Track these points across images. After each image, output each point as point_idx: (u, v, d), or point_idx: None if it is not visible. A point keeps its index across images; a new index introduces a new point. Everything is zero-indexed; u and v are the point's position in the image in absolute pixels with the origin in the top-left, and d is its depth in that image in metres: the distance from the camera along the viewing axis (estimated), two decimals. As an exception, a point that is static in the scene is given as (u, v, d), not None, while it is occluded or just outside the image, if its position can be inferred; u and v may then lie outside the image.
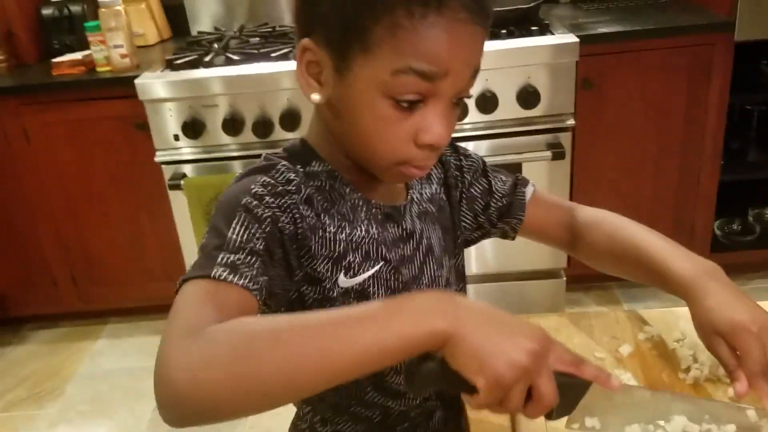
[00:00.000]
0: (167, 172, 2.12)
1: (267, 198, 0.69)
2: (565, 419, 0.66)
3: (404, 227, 0.80)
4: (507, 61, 2.00)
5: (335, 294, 0.75)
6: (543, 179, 2.13)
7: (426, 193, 0.86)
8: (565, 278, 2.30)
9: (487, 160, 0.95)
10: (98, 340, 2.46)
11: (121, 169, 2.22)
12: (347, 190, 0.76)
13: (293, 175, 0.73)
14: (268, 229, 0.68)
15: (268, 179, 0.71)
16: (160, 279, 2.38)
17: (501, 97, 2.03)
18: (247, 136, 2.06)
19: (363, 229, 0.77)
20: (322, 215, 0.74)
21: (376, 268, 0.77)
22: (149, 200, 2.25)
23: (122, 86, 2.06)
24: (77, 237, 2.34)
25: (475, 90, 2.01)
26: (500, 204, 0.91)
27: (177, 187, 2.09)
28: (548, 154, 2.08)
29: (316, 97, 0.71)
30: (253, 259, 0.65)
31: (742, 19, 2.03)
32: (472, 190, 0.91)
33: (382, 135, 0.69)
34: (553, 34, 2.06)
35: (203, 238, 0.68)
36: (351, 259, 0.75)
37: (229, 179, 2.11)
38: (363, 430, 0.83)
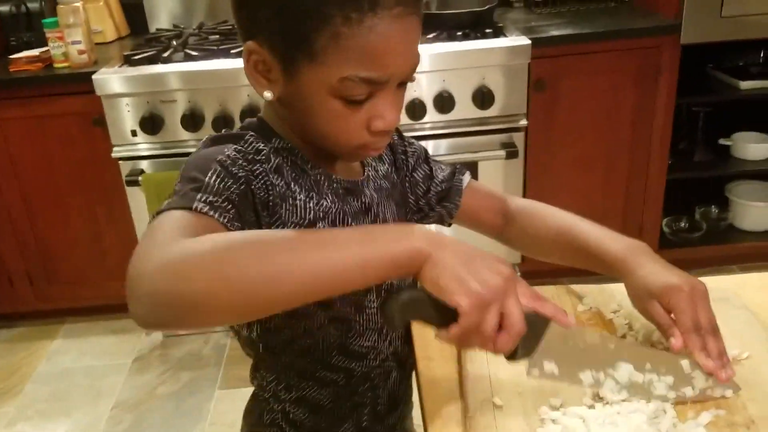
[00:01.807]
0: (125, 168, 2.11)
1: (240, 161, 0.71)
2: (525, 367, 0.68)
3: (363, 201, 0.84)
4: (462, 62, 2.05)
5: None
6: (498, 177, 2.19)
7: (380, 171, 0.89)
8: (519, 274, 2.34)
9: (445, 159, 0.99)
10: (56, 339, 2.43)
11: (79, 166, 2.20)
12: (308, 166, 0.79)
13: (262, 145, 0.75)
14: (242, 188, 0.69)
15: (240, 147, 0.73)
16: (117, 277, 2.33)
17: (457, 98, 2.08)
18: (207, 131, 2.07)
19: (329, 200, 0.79)
20: (292, 184, 0.76)
21: None
22: (107, 197, 2.23)
23: (80, 82, 2.05)
24: (34, 235, 2.31)
25: (433, 90, 2.07)
26: (439, 189, 0.95)
27: (135, 183, 2.08)
28: (502, 153, 2.14)
29: (268, 94, 0.74)
30: (230, 206, 0.66)
31: (687, 22, 2.12)
32: (415, 175, 0.95)
33: (337, 127, 0.73)
34: (506, 36, 2.12)
35: (174, 187, 0.69)
36: (320, 227, 0.77)
37: None
38: (328, 393, 0.85)
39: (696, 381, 0.74)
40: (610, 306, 0.89)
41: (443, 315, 0.61)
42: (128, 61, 2.09)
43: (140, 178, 2.08)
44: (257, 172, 0.72)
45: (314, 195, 0.78)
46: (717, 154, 2.48)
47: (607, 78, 2.19)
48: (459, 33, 2.11)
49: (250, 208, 0.71)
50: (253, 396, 0.90)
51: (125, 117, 2.06)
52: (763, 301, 0.91)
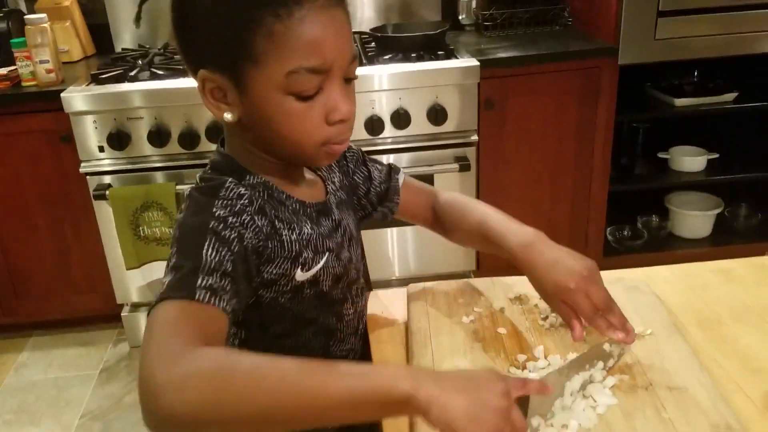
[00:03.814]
0: (92, 183, 2.18)
1: (230, 219, 0.75)
2: None
3: (333, 219, 0.91)
4: (417, 81, 2.18)
5: (290, 288, 0.83)
6: (453, 189, 2.28)
7: (336, 182, 0.97)
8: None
9: (403, 171, 1.08)
10: (23, 352, 2.46)
11: (46, 182, 2.26)
12: (284, 196, 0.84)
13: (243, 189, 0.79)
14: (235, 249, 0.74)
15: (224, 201, 0.77)
16: (84, 291, 2.42)
17: (413, 115, 2.21)
18: (173, 147, 2.16)
19: (308, 227, 0.85)
20: (276, 222, 0.81)
21: (325, 258, 0.86)
22: (74, 212, 2.29)
23: (48, 100, 2.12)
24: (1, 250, 2.35)
25: (390, 108, 2.18)
26: (379, 189, 1.03)
27: (102, 197, 2.15)
28: (456, 166, 2.27)
29: (228, 116, 0.78)
30: (226, 281, 0.71)
31: (624, 45, 2.28)
32: (355, 177, 1.02)
33: (299, 126, 0.77)
34: (457, 58, 2.25)
35: (171, 259, 0.73)
36: (306, 256, 0.83)
37: (154, 189, 2.30)
38: None
39: (614, 352, 0.86)
40: (536, 294, 1.01)
41: None
42: (95, 79, 2.17)
43: (107, 192, 2.15)
44: (246, 222, 0.76)
45: (295, 226, 0.83)
46: (656, 166, 2.64)
47: (551, 97, 2.34)
48: (414, 54, 2.24)
49: (242, 261, 0.74)
50: None
51: (92, 133, 2.13)
52: (668, 289, 1.04)
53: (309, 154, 0.82)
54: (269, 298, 0.83)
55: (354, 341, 0.97)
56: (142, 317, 2.42)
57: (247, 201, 0.78)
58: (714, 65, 2.51)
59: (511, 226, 0.93)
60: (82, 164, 2.16)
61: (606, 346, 0.87)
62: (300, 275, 0.84)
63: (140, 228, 2.20)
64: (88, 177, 2.18)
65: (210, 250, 0.72)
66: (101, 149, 2.15)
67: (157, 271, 2.27)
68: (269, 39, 0.73)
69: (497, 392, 0.65)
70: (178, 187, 2.17)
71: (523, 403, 0.73)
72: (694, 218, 2.64)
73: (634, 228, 2.66)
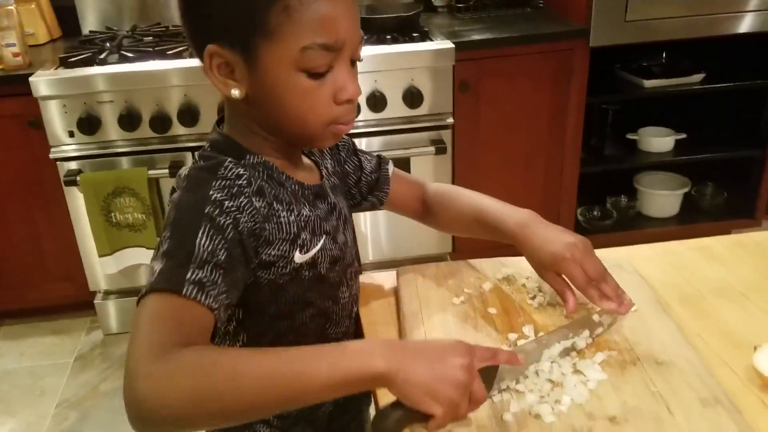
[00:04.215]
0: (62, 169, 2.14)
1: (226, 203, 0.75)
2: None
3: (329, 202, 0.91)
4: (392, 64, 2.17)
5: (288, 270, 0.83)
6: (428, 172, 2.33)
7: (329, 167, 0.97)
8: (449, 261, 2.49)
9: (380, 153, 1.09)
10: (-7, 341, 2.42)
11: (15, 168, 2.21)
12: (284, 177, 0.84)
13: (242, 169, 0.78)
14: (230, 236, 0.74)
15: (222, 181, 0.76)
16: (57, 279, 2.38)
17: (389, 98, 2.21)
18: (144, 131, 2.13)
19: (307, 209, 0.85)
20: (274, 203, 0.81)
21: (322, 240, 0.87)
22: (45, 199, 2.25)
23: (15, 84, 2.07)
24: (-32, 238, 2.30)
25: (365, 90, 2.18)
26: (369, 179, 1.04)
27: (73, 183, 2.12)
28: (432, 149, 2.27)
29: (235, 92, 0.78)
30: (218, 275, 0.71)
31: (595, 26, 2.30)
32: (346, 167, 1.03)
33: (307, 104, 0.78)
34: (432, 40, 2.25)
35: (163, 243, 0.72)
36: (304, 237, 0.84)
37: (126, 174, 2.26)
38: None
39: (604, 322, 0.90)
40: (524, 273, 1.03)
41: (425, 414, 0.70)
42: (64, 63, 2.12)
43: (78, 178, 2.11)
44: (243, 205, 0.76)
45: (294, 207, 0.83)
46: (625, 148, 2.69)
47: (525, 79, 2.35)
48: (388, 36, 2.24)
49: (238, 246, 0.75)
50: None
51: (62, 118, 2.08)
52: (649, 267, 1.07)
53: (315, 134, 0.82)
54: (267, 279, 0.83)
55: (348, 324, 0.98)
56: (115, 304, 2.40)
57: (245, 182, 0.78)
58: (681, 47, 2.55)
59: (505, 209, 0.98)
60: (52, 150, 2.12)
61: (595, 317, 0.89)
62: (299, 257, 0.84)
63: (112, 214, 2.16)
64: (58, 163, 2.14)
65: (204, 238, 0.72)
66: (71, 134, 2.11)
67: (130, 257, 2.24)
68: (285, 13, 0.73)
69: (457, 365, 0.69)
70: (150, 172, 2.14)
71: (491, 372, 0.76)
72: (661, 198, 2.70)
73: (603, 208, 2.71)
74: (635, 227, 2.68)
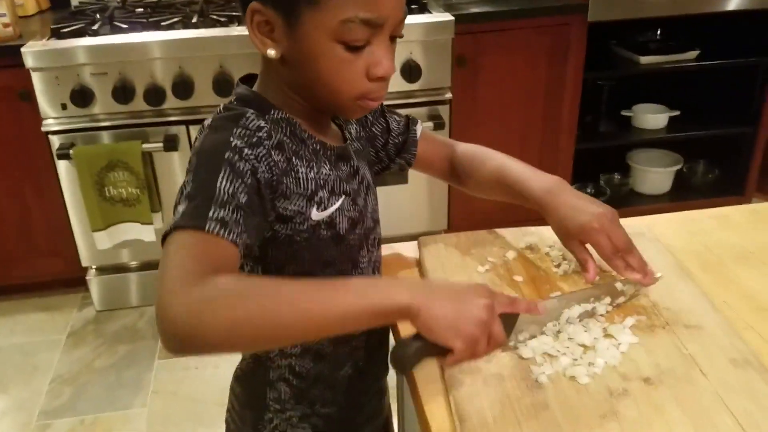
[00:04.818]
0: (55, 142, 2.10)
1: (245, 150, 0.75)
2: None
3: (351, 165, 0.90)
4: (390, 36, 2.15)
5: (306, 227, 0.83)
6: (424, 147, 2.31)
7: (353, 132, 0.96)
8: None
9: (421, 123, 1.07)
10: (-17, 318, 2.38)
11: (4, 141, 2.16)
12: (306, 135, 0.84)
13: (263, 122, 0.79)
14: (249, 182, 0.74)
15: (243, 130, 0.76)
16: (47, 255, 2.34)
17: (386, 71, 2.18)
18: (138, 104, 2.09)
19: (327, 168, 0.85)
20: (293, 158, 0.81)
21: (341, 201, 0.86)
22: (35, 173, 2.21)
23: (5, 56, 2.02)
24: (-44, 214, 2.25)
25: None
26: (397, 141, 1.03)
27: (66, 156, 2.07)
28: (430, 124, 2.26)
29: (272, 52, 0.78)
30: (238, 215, 0.72)
31: (594, 1, 2.30)
32: (374, 129, 1.02)
33: (341, 75, 0.77)
34: (431, 12, 2.23)
35: (185, 186, 0.74)
36: (321, 195, 0.83)
37: (120, 148, 2.24)
38: (329, 342, 0.92)
39: (627, 291, 0.90)
40: (547, 242, 1.03)
41: (443, 348, 0.73)
42: (56, 34, 2.06)
43: (71, 151, 2.07)
44: (261, 155, 0.77)
45: (314, 165, 0.83)
46: (619, 124, 2.70)
47: (522, 54, 2.35)
48: (385, 9, 2.21)
49: (256, 194, 0.76)
50: (254, 358, 0.94)
51: (55, 90, 2.04)
52: (669, 235, 1.07)
53: (343, 105, 0.82)
54: (285, 235, 0.83)
55: None
56: (107, 281, 2.36)
57: (265, 134, 0.78)
58: (676, 24, 2.56)
59: (532, 173, 0.97)
60: (45, 122, 2.07)
61: (618, 285, 0.89)
62: (315, 215, 0.84)
63: (105, 188, 2.13)
64: (50, 136, 2.09)
65: (224, 181, 0.73)
66: (64, 107, 2.06)
67: (124, 232, 2.21)
68: None
69: (480, 305, 0.73)
70: (144, 146, 2.11)
71: (511, 320, 0.79)
72: (654, 175, 2.72)
73: (596, 185, 2.72)
74: (628, 204, 2.70)
